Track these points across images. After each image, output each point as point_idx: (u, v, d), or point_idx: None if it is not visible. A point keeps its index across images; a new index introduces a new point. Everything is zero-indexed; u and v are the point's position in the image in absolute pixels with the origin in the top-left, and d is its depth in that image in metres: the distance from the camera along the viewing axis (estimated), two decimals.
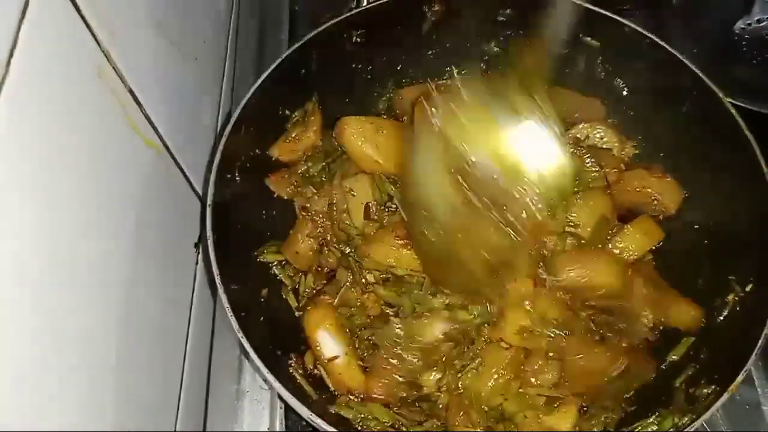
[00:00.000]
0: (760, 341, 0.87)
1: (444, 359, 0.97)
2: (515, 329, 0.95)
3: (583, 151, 1.12)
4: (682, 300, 1.02)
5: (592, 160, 1.11)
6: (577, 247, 1.03)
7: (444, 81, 1.24)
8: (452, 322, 0.97)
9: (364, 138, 1.07)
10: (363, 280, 1.01)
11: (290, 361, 0.99)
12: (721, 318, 0.98)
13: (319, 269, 1.09)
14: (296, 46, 1.10)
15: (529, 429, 0.93)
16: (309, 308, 1.01)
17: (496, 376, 0.95)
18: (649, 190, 1.11)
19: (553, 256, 1.01)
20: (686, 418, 0.89)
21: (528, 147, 0.88)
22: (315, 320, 0.99)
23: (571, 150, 1.09)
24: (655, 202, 1.11)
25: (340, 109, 1.22)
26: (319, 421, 0.83)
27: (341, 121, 1.09)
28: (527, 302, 0.96)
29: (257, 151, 1.08)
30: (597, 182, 1.11)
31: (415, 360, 0.96)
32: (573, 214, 1.05)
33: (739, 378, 0.85)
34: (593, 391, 0.97)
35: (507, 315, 0.96)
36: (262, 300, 1.04)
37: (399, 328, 0.97)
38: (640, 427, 0.93)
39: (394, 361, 0.96)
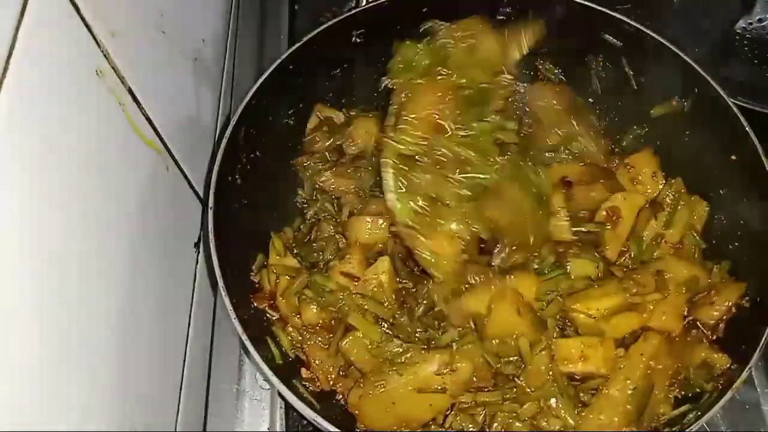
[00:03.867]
0: (762, 341, 0.87)
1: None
2: None
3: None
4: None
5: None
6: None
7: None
8: None
9: None
10: None
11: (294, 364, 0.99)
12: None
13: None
14: (296, 46, 1.10)
15: None
16: None
17: None
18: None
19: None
20: (690, 416, 0.89)
21: None
22: None
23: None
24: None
25: (341, 109, 1.23)
26: (324, 423, 0.83)
27: None
28: None
29: (257, 152, 1.08)
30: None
31: None
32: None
33: (742, 377, 0.85)
34: None
35: None
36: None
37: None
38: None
39: None
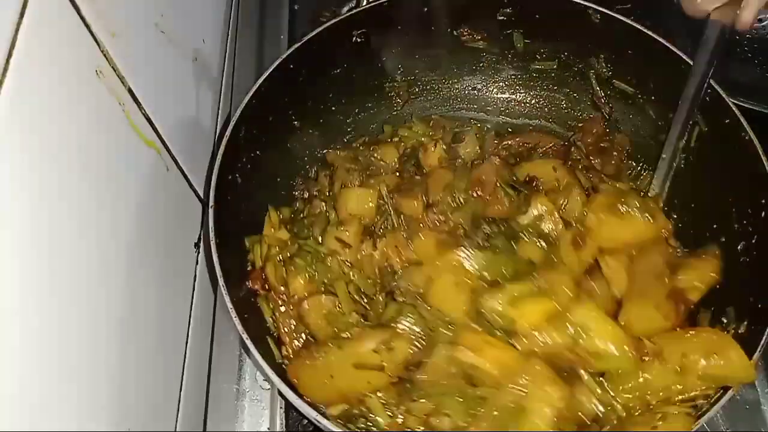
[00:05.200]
0: (762, 341, 0.87)
1: None
2: None
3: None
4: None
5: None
6: None
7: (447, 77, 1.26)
8: None
9: None
10: None
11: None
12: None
13: None
14: (296, 46, 1.10)
15: None
16: None
17: None
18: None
19: None
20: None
21: None
22: None
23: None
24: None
25: (343, 110, 1.23)
26: (325, 423, 0.83)
27: None
28: None
29: (258, 152, 1.08)
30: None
31: None
32: None
33: None
34: None
35: None
36: None
37: None
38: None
39: None
